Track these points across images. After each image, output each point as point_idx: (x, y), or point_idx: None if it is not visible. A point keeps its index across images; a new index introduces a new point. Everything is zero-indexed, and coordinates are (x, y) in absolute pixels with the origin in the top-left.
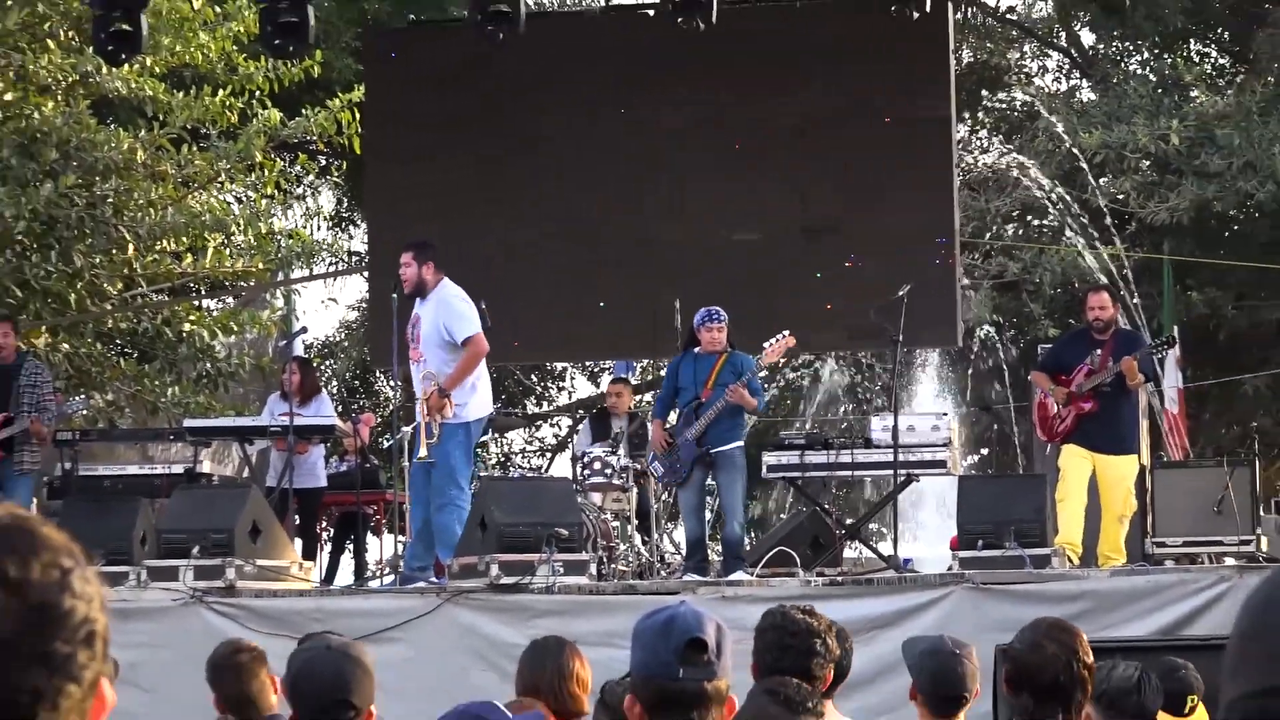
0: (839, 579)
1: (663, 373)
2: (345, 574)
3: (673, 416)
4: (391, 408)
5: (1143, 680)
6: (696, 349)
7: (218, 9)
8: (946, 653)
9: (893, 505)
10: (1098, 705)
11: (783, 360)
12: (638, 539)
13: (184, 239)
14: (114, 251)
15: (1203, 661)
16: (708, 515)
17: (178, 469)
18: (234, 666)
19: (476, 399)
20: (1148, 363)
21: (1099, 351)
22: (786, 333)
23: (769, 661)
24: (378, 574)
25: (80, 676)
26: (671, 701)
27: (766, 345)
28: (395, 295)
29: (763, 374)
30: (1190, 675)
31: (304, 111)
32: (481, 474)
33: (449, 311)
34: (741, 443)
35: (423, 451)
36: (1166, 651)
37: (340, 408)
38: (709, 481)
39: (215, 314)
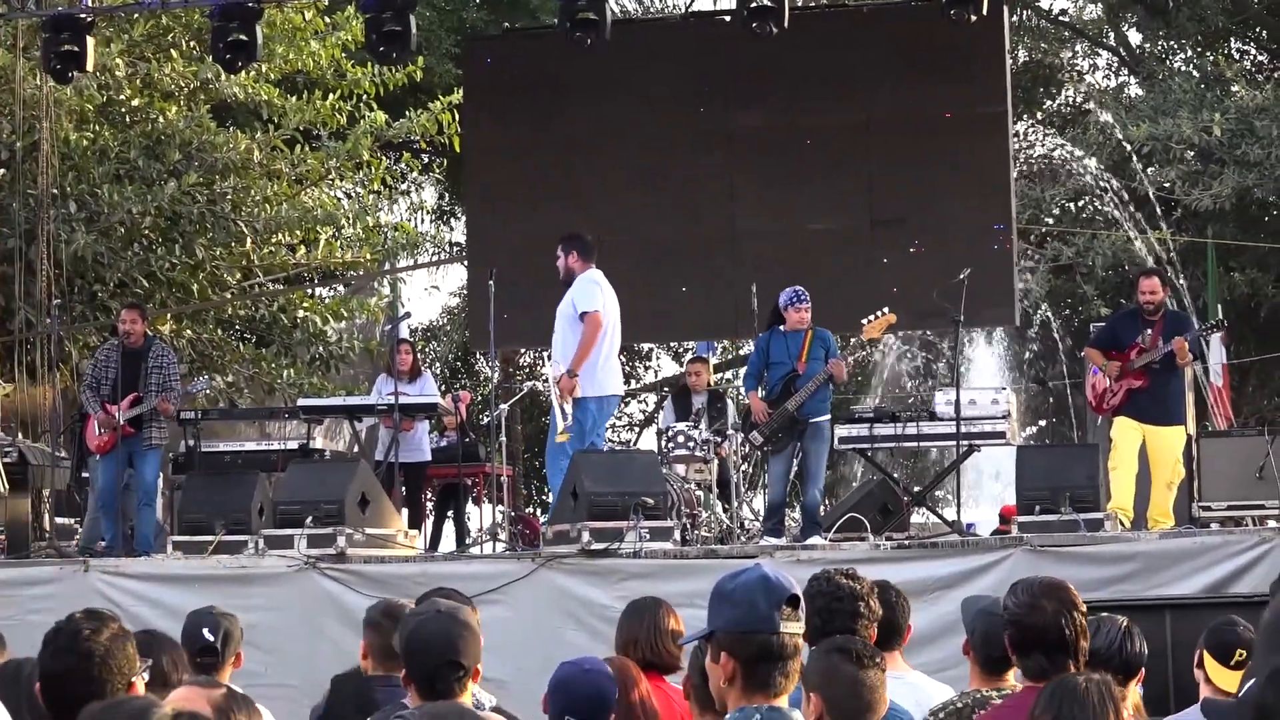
0: (906, 543)
1: (742, 352)
2: (448, 541)
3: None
4: (490, 386)
5: (1126, 636)
6: (782, 326)
7: (327, 19)
8: (999, 616)
9: (956, 473)
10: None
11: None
12: (719, 507)
13: (297, 232)
14: (233, 244)
15: (1246, 617)
16: (788, 483)
17: (292, 445)
18: (386, 628)
19: (595, 378)
20: (1195, 342)
21: (1149, 331)
22: (886, 309)
23: (818, 624)
24: (478, 540)
25: None
26: (774, 655)
27: (865, 321)
28: (493, 282)
29: (863, 351)
30: (1241, 631)
31: (407, 113)
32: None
33: (578, 289)
34: (829, 415)
35: (561, 436)
36: (1212, 608)
37: (443, 387)
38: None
39: (327, 301)
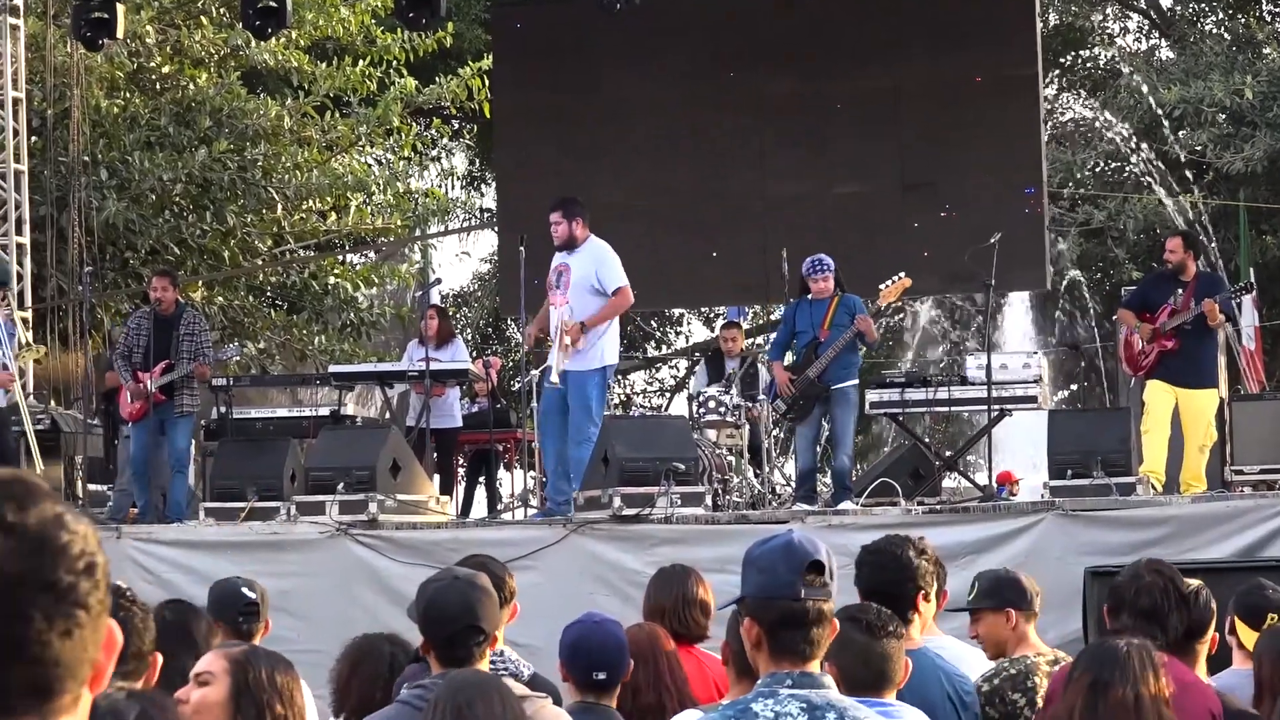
0: (938, 508)
1: (773, 317)
2: (479, 507)
3: (787, 358)
4: (521, 352)
5: (1192, 597)
6: (809, 295)
7: None
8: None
9: (987, 438)
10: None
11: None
12: (750, 472)
13: (328, 199)
14: (264, 211)
15: (1278, 581)
16: (818, 449)
17: (324, 411)
18: None
19: (613, 346)
20: (1227, 305)
21: (1181, 293)
22: (902, 274)
23: (874, 587)
24: (509, 507)
25: (86, 603)
26: (794, 621)
27: (883, 286)
28: (523, 248)
29: (874, 316)
30: (1270, 594)
31: (437, 79)
32: (604, 413)
33: (603, 263)
34: (856, 381)
35: (554, 377)
36: (1244, 572)
37: (475, 353)
38: (823, 418)
39: (358, 268)
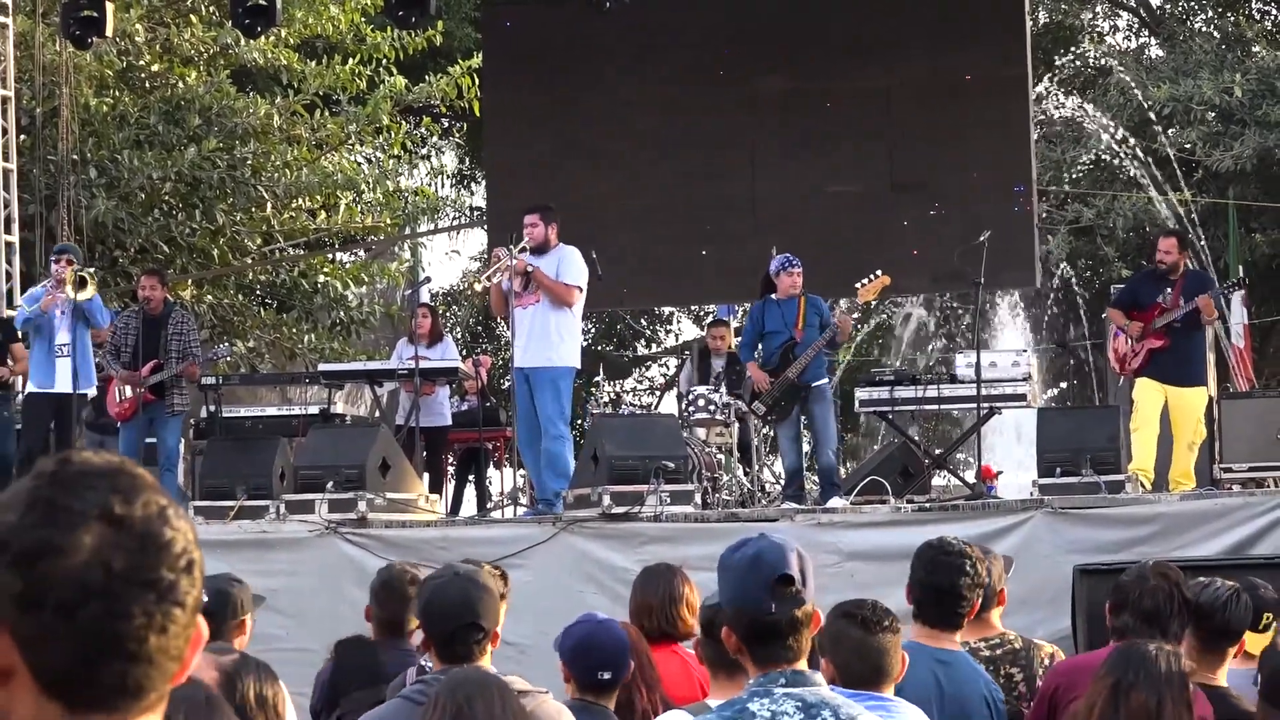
0: (927, 505)
1: None
2: (469, 505)
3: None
4: (510, 350)
5: (1231, 599)
6: (774, 294)
7: None
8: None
9: (977, 436)
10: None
11: (874, 302)
12: (739, 470)
13: (318, 197)
14: (253, 209)
15: (1266, 579)
16: (804, 447)
17: (313, 410)
18: (403, 595)
19: (578, 348)
20: (1217, 301)
21: (1170, 290)
22: (880, 272)
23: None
24: (499, 505)
25: (184, 602)
26: (768, 633)
27: (860, 284)
28: (513, 247)
29: (855, 315)
30: (1264, 593)
31: (427, 78)
32: (594, 412)
33: (569, 264)
34: (827, 378)
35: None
36: (1233, 570)
37: (464, 351)
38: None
39: (347, 266)
